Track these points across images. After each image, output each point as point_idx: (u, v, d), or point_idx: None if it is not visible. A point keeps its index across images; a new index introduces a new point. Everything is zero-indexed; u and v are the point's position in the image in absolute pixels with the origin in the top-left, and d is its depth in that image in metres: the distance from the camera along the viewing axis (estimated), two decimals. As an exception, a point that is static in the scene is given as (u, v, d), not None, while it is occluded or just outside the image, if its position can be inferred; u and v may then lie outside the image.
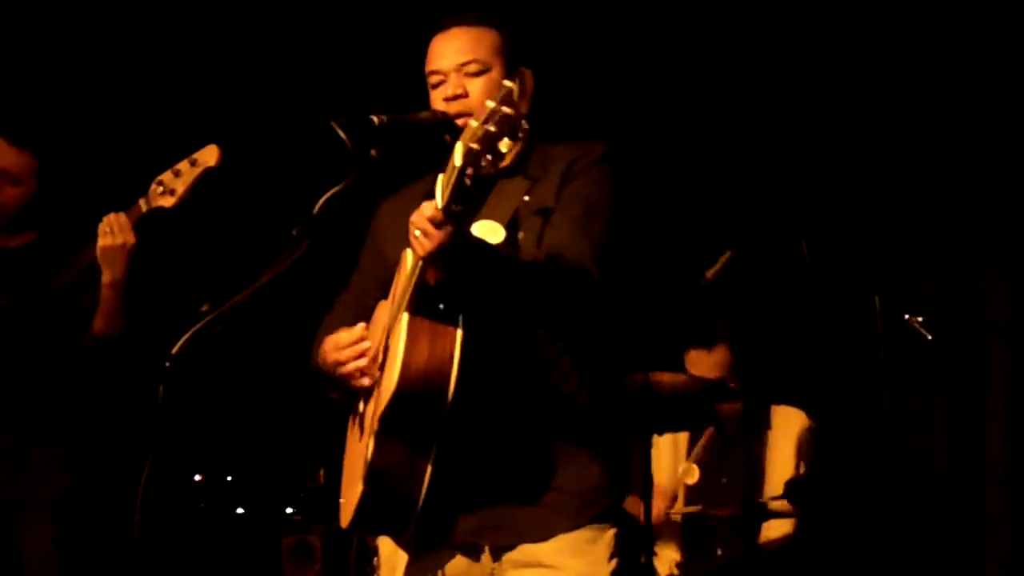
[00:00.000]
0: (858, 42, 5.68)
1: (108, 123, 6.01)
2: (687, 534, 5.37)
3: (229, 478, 6.16)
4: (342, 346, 3.10)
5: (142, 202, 4.03)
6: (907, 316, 4.56)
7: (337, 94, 5.92)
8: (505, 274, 2.88)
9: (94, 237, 4.11)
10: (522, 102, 3.13)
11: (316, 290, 5.96)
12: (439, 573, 3.12)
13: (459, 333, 2.85)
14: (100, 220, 4.19)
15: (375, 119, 3.09)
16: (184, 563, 5.72)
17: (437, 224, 2.73)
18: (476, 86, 3.13)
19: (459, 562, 3.09)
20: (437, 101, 3.17)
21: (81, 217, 4.36)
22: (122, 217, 4.07)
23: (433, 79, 3.19)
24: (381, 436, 2.91)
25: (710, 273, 4.63)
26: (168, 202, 3.98)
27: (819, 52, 5.74)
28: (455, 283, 2.83)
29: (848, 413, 5.62)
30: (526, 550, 3.02)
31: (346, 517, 3.14)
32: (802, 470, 5.32)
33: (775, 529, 5.19)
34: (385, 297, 3.17)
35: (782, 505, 5.12)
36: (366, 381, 3.05)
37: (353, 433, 3.25)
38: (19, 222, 4.36)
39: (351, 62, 6.16)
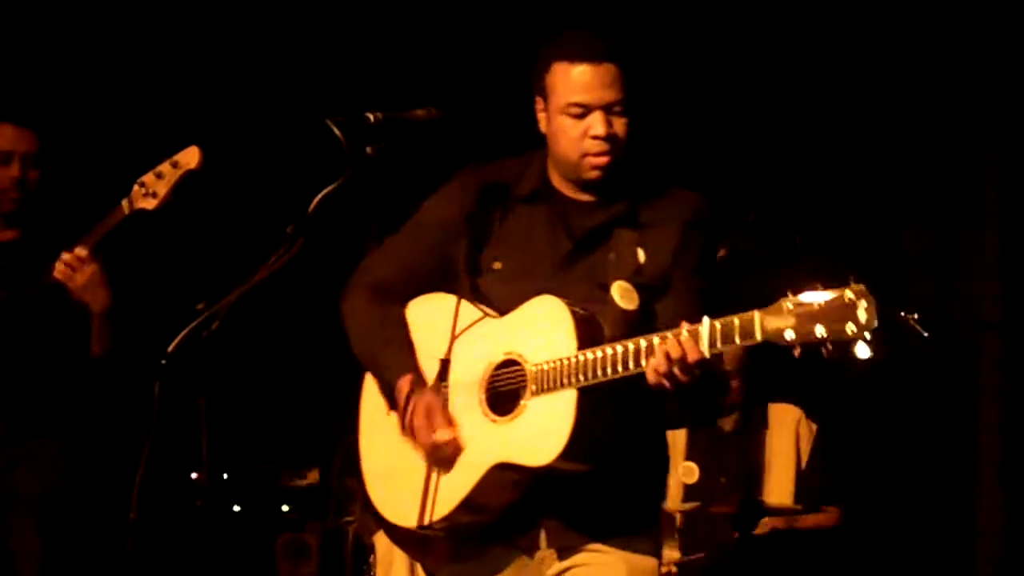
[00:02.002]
0: (849, 34, 5.67)
1: (99, 118, 6.00)
2: (685, 532, 5.37)
3: (225, 476, 6.17)
4: (429, 421, 3.07)
5: (125, 204, 4.02)
6: (902, 313, 4.56)
7: (332, 91, 5.91)
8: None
9: (79, 233, 4.09)
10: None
11: (311, 288, 5.97)
12: (483, 559, 3.15)
13: (617, 412, 2.93)
14: (85, 215, 4.19)
15: (370, 116, 3.09)
16: (180, 561, 5.71)
17: (699, 364, 2.76)
18: (620, 127, 3.06)
19: (509, 552, 3.13)
20: (575, 132, 3.06)
21: (66, 212, 4.35)
22: (78, 251, 4.08)
23: (573, 110, 3.05)
24: (495, 472, 3.00)
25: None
26: (150, 204, 3.97)
27: (810, 47, 5.73)
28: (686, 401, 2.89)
29: (845, 411, 5.63)
30: (589, 548, 3.08)
31: (408, 518, 3.18)
32: (801, 468, 5.32)
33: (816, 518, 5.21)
34: (445, 287, 3.16)
35: (787, 505, 5.13)
36: (432, 455, 3.09)
37: (389, 423, 3.21)
38: (21, 209, 4.33)
39: (346, 59, 6.15)
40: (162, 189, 3.94)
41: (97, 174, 5.75)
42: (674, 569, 5.34)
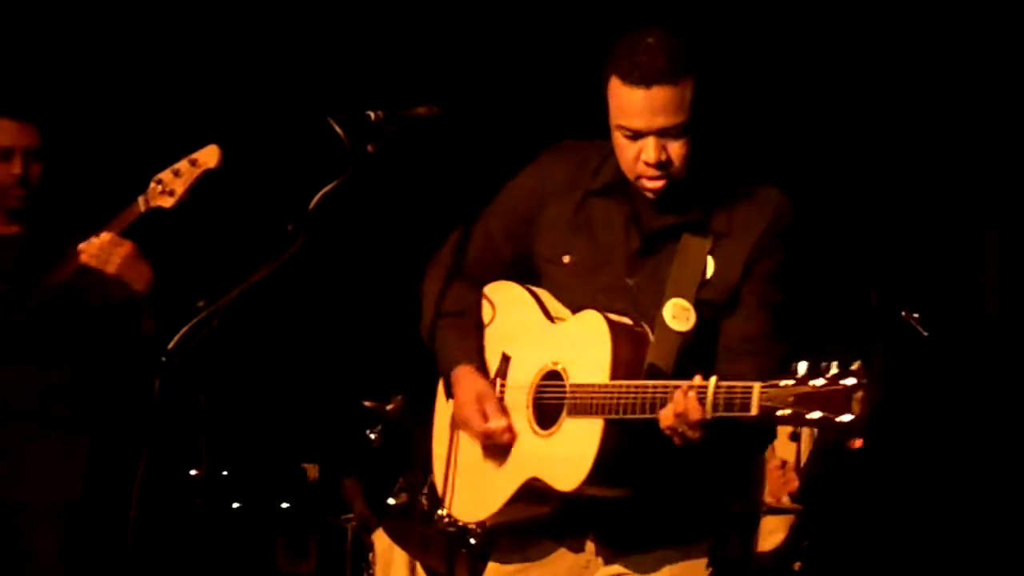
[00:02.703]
0: (852, 36, 5.67)
1: (103, 115, 6.00)
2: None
3: (225, 473, 6.17)
4: (470, 403, 3.06)
5: (141, 201, 3.93)
6: (903, 312, 4.55)
7: (333, 89, 5.91)
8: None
9: (86, 227, 4.04)
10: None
11: (312, 286, 5.97)
12: (529, 552, 3.11)
13: (645, 443, 2.85)
14: (90, 210, 4.14)
15: (371, 115, 3.08)
16: (179, 558, 5.71)
17: (703, 424, 2.71)
18: (677, 149, 2.89)
19: (557, 549, 3.09)
20: (629, 154, 2.92)
21: (71, 208, 4.31)
22: (106, 235, 3.99)
23: (626, 132, 2.90)
24: (531, 484, 2.98)
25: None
26: (167, 202, 3.90)
27: (812, 46, 5.74)
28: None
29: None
30: (630, 559, 3.03)
31: (471, 514, 3.18)
32: (800, 467, 5.31)
33: (767, 540, 5.19)
34: (524, 276, 3.13)
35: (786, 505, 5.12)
36: (481, 439, 3.07)
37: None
38: (26, 205, 4.26)
39: (348, 58, 6.15)
40: (180, 187, 3.88)
41: (101, 170, 5.77)
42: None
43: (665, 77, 2.85)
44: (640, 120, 2.88)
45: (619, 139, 2.94)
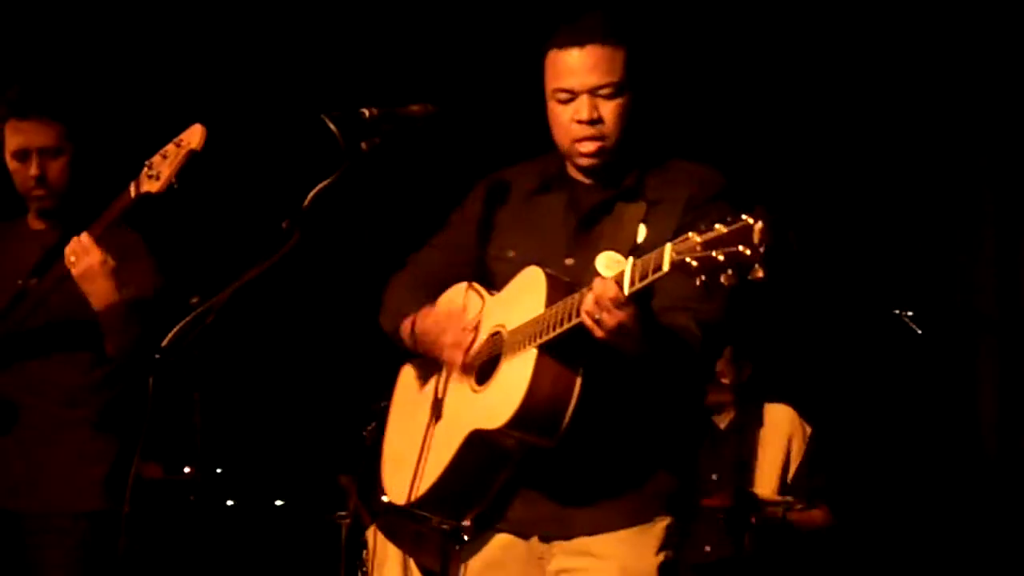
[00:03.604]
0: (851, 33, 5.68)
1: (109, 114, 5.99)
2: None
3: (219, 470, 6.17)
4: (437, 313, 3.14)
5: (132, 187, 3.80)
6: (897, 310, 4.57)
7: (328, 87, 5.91)
8: (664, 343, 2.91)
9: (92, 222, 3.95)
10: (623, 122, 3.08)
11: (306, 283, 5.98)
12: (488, 551, 3.16)
13: (579, 380, 2.91)
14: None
15: (365, 112, 3.09)
16: (173, 556, 5.71)
17: (620, 305, 2.76)
18: (610, 110, 3.03)
19: (510, 542, 3.13)
20: (564, 118, 3.06)
21: (97, 203, 4.20)
22: (84, 238, 3.85)
23: (560, 96, 3.05)
24: (474, 440, 3.00)
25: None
26: (154, 187, 3.75)
27: (810, 46, 5.74)
28: (631, 357, 2.86)
29: (840, 410, 5.64)
30: (578, 542, 3.06)
31: (403, 494, 3.17)
32: (791, 469, 5.33)
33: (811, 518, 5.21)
34: (479, 282, 3.21)
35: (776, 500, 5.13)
36: (458, 356, 3.09)
37: (414, 407, 3.27)
38: (71, 193, 4.14)
39: (341, 54, 6.16)
40: (166, 170, 3.74)
41: (123, 168, 5.76)
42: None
43: (598, 37, 3.02)
44: (575, 78, 3.03)
45: (555, 108, 3.07)
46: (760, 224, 2.57)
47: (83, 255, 3.85)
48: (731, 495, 5.11)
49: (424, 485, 3.10)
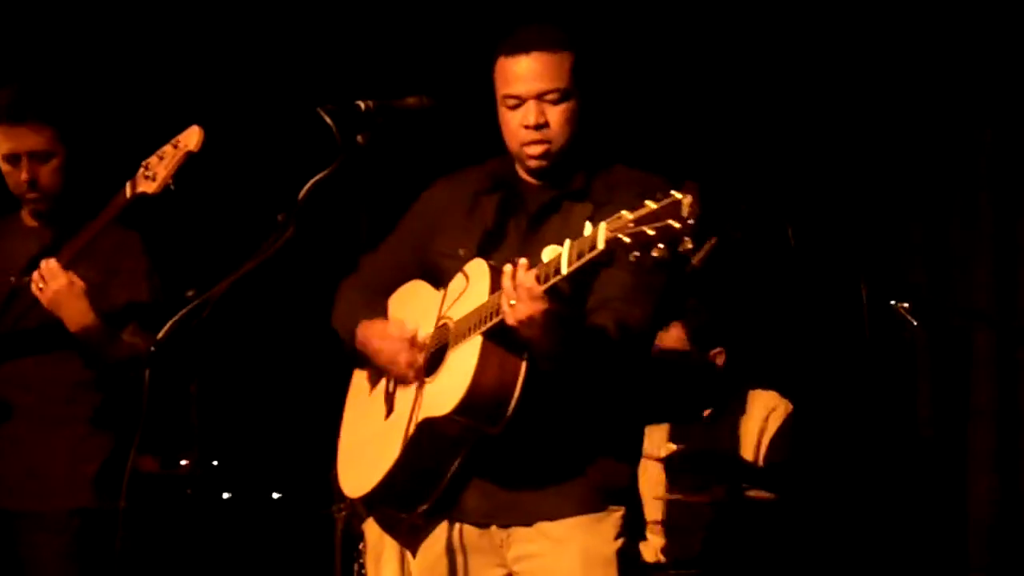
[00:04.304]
0: (845, 23, 5.67)
1: (106, 115, 5.98)
2: (670, 518, 5.38)
3: (215, 463, 6.16)
4: (391, 337, 3.16)
5: (128, 187, 3.82)
6: (893, 302, 4.57)
7: (323, 79, 5.90)
8: (578, 344, 2.96)
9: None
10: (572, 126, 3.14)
11: (301, 275, 5.97)
12: (448, 541, 3.21)
13: (524, 365, 2.95)
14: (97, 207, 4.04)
15: (361, 105, 3.10)
16: (170, 549, 5.71)
17: (533, 297, 2.82)
18: (556, 114, 3.10)
19: (468, 532, 3.18)
20: (513, 124, 3.13)
21: (92, 205, 4.20)
22: (51, 264, 3.86)
23: (508, 102, 3.13)
24: (424, 429, 3.03)
25: (696, 259, 4.62)
26: (150, 187, 3.77)
27: (803, 38, 5.74)
28: (538, 347, 2.90)
29: (833, 400, 5.64)
30: (538, 527, 3.11)
31: (357, 488, 3.22)
32: (776, 456, 5.33)
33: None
34: (429, 281, 3.25)
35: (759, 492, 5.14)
36: (411, 375, 3.12)
37: (367, 403, 3.31)
38: (65, 194, 4.13)
39: (337, 47, 6.15)
40: (162, 171, 3.76)
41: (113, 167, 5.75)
42: (662, 558, 5.35)
43: (544, 45, 3.10)
44: (522, 85, 3.10)
45: (504, 114, 3.14)
46: (689, 198, 2.64)
47: (49, 281, 3.85)
48: (724, 492, 5.11)
49: (376, 477, 3.13)
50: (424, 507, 3.15)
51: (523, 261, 2.85)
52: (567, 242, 2.80)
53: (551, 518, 3.10)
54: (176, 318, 3.13)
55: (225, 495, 6.20)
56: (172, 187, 3.77)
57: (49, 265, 3.86)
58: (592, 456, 3.11)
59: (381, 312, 3.27)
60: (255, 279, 3.17)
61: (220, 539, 6.04)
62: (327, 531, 5.68)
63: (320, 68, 6.04)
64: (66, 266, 3.88)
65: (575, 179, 3.15)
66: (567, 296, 2.93)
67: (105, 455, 4.02)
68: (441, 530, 3.22)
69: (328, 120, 3.07)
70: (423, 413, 3.04)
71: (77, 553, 3.96)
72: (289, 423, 6.31)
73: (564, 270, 2.78)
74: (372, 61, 6.02)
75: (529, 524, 3.11)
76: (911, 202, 5.73)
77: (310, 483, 6.16)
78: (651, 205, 2.65)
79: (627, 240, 2.66)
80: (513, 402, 2.94)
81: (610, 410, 3.13)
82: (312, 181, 3.08)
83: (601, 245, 2.71)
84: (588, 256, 2.74)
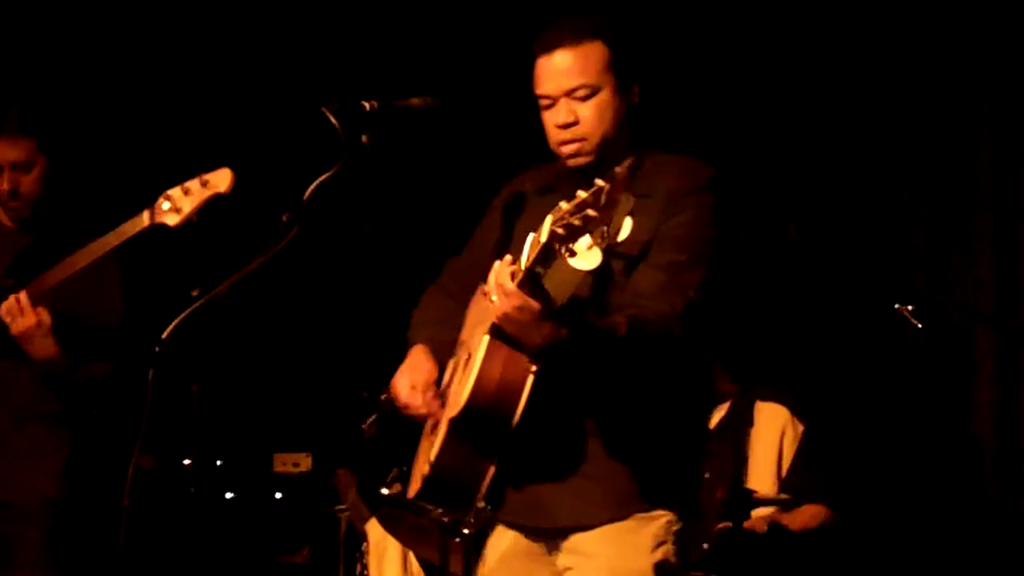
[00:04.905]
0: (844, 20, 5.67)
1: (102, 114, 5.98)
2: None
3: (218, 463, 6.17)
4: (416, 388, 3.15)
5: (147, 215, 3.86)
6: (896, 304, 4.56)
7: (329, 79, 5.91)
8: (583, 345, 2.87)
9: (88, 236, 4.01)
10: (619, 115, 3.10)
11: (306, 275, 5.97)
12: (500, 546, 3.17)
13: (534, 366, 2.90)
14: (95, 215, 4.12)
15: (366, 105, 3.09)
16: (172, 548, 5.71)
17: (507, 292, 2.78)
18: (586, 111, 3.06)
19: (518, 538, 3.13)
20: (548, 124, 3.11)
21: (79, 215, 4.28)
22: (21, 298, 3.97)
23: (543, 102, 3.11)
24: (449, 437, 2.99)
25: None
26: (173, 220, 3.84)
27: (807, 39, 5.73)
28: (525, 343, 2.86)
29: (836, 404, 5.63)
30: (573, 539, 3.05)
31: (413, 488, 3.21)
32: (783, 470, 5.32)
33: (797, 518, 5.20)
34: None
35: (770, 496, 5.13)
36: (430, 424, 3.13)
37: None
38: (46, 201, 4.22)
39: (343, 47, 6.15)
40: (187, 207, 3.83)
41: (107, 171, 5.75)
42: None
43: (566, 41, 3.06)
44: (549, 84, 3.08)
45: (543, 115, 3.12)
46: (608, 186, 2.63)
47: (18, 317, 3.98)
48: (726, 490, 5.10)
49: (419, 481, 3.11)
50: (472, 509, 3.07)
51: (507, 257, 2.81)
52: (530, 236, 2.77)
53: (583, 528, 3.03)
54: (180, 317, 3.13)
55: (228, 494, 6.20)
56: (194, 221, 3.85)
57: (20, 301, 3.98)
58: (629, 457, 3.02)
59: (450, 328, 3.25)
60: (259, 279, 3.17)
61: (222, 538, 6.05)
62: (331, 531, 5.71)
63: (325, 68, 6.04)
64: (48, 292, 3.98)
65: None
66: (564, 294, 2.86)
67: (69, 449, 4.17)
68: (496, 535, 3.18)
69: (333, 120, 3.07)
70: (447, 414, 3.01)
71: (50, 542, 4.09)
72: (291, 423, 6.31)
73: (523, 265, 2.75)
74: (377, 61, 6.02)
75: (565, 534, 3.05)
76: (913, 203, 5.72)
77: (314, 483, 6.18)
78: (580, 195, 2.64)
79: (561, 232, 2.64)
80: (523, 399, 2.89)
81: (646, 407, 3.03)
82: (317, 181, 3.08)
83: (543, 238, 2.68)
84: (536, 251, 2.71)
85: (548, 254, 2.70)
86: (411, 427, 3.28)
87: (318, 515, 6.00)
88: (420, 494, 3.09)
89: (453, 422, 2.97)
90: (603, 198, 2.63)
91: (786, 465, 5.33)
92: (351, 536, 5.48)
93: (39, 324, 3.98)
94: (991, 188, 5.48)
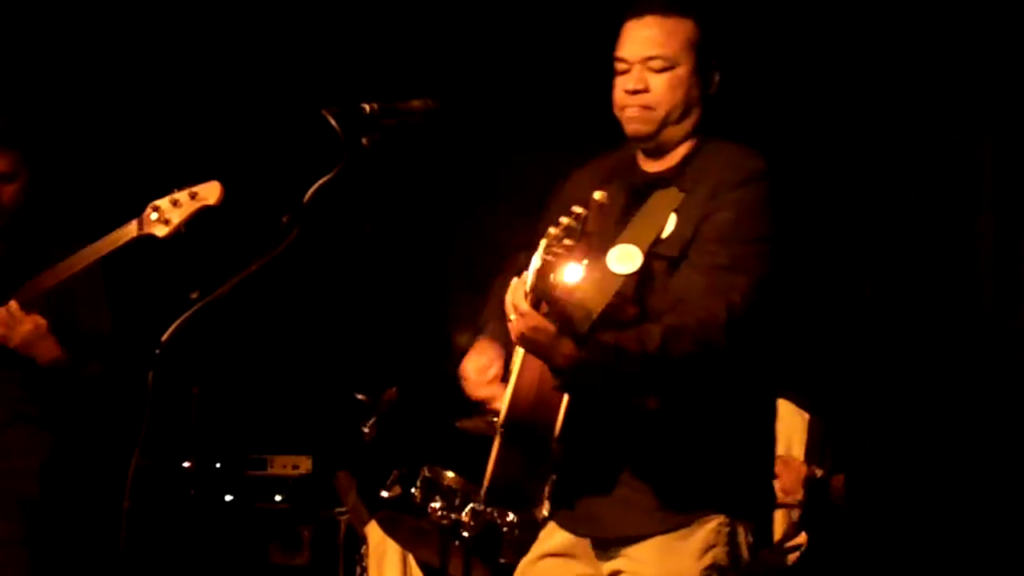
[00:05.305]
0: (845, 30, 5.67)
1: (89, 110, 5.98)
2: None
3: (218, 465, 6.17)
4: (476, 370, 3.13)
5: (134, 225, 3.89)
6: (896, 302, 4.56)
7: (329, 81, 5.91)
8: (606, 365, 2.77)
9: (69, 244, 4.03)
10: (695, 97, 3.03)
11: (306, 277, 5.97)
12: (550, 545, 3.12)
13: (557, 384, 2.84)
14: (78, 219, 4.15)
15: (366, 107, 3.08)
16: (172, 550, 5.71)
17: (521, 312, 2.73)
18: (659, 82, 2.98)
19: (570, 539, 3.09)
20: (618, 88, 3.04)
21: (55, 222, 4.32)
22: (12, 308, 4.01)
23: (618, 65, 3.03)
24: (501, 444, 2.97)
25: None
26: (161, 231, 3.86)
27: (808, 39, 5.74)
28: (546, 361, 2.79)
29: (838, 403, 5.63)
30: (622, 550, 3.00)
31: (481, 486, 3.16)
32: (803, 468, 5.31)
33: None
34: None
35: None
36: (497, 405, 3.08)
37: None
38: (26, 211, 4.28)
39: (343, 49, 6.15)
40: (176, 219, 3.85)
41: (87, 171, 5.75)
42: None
43: (657, 10, 2.99)
44: (629, 48, 3.01)
45: (615, 79, 3.04)
46: (585, 213, 2.62)
47: (15, 326, 4.03)
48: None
49: (487, 478, 3.07)
50: (533, 509, 3.06)
51: (525, 275, 2.73)
52: (535, 257, 2.70)
53: (633, 538, 2.99)
54: (180, 320, 3.13)
55: (228, 497, 6.20)
56: (183, 232, 3.87)
57: (11, 310, 4.02)
58: (676, 463, 2.96)
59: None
60: (260, 281, 3.17)
61: (222, 540, 6.04)
62: (330, 533, 5.71)
63: (325, 70, 6.04)
64: (39, 298, 4.03)
65: (675, 158, 3.03)
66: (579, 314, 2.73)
67: (51, 450, 4.23)
68: (547, 530, 3.14)
69: (333, 122, 3.06)
70: (500, 421, 2.97)
71: (28, 538, 4.16)
72: (293, 425, 6.31)
73: (527, 286, 2.70)
74: (377, 63, 6.02)
75: (614, 541, 3.01)
76: (913, 202, 5.72)
77: (314, 485, 6.17)
78: (564, 221, 2.62)
79: (550, 259, 2.60)
80: (560, 412, 2.83)
81: (693, 412, 2.94)
82: (317, 183, 3.08)
83: (538, 263, 2.63)
84: (532, 273, 2.66)
85: (543, 281, 2.64)
86: (410, 430, 3.28)
87: (318, 518, 6.00)
88: (486, 494, 3.05)
89: (502, 429, 2.94)
90: (581, 226, 2.60)
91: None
92: (351, 539, 5.48)
93: (36, 328, 4.04)
94: (991, 189, 5.49)
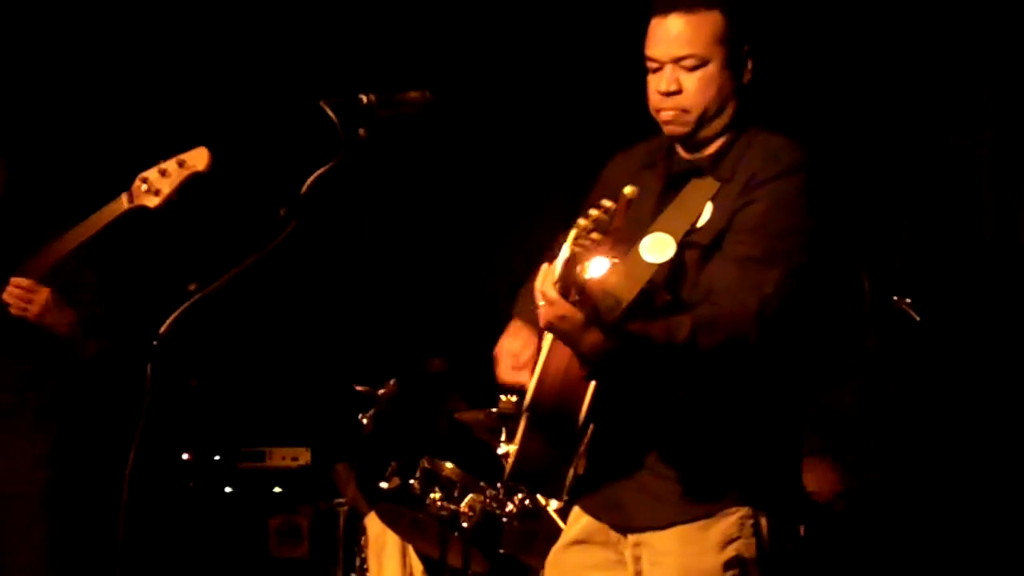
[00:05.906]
0: (845, 30, 5.67)
1: (84, 98, 5.98)
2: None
3: (217, 457, 6.17)
4: (509, 353, 3.09)
5: (124, 198, 3.89)
6: (895, 297, 4.55)
7: (326, 73, 5.91)
8: (634, 355, 2.73)
9: (59, 225, 4.04)
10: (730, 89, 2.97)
11: (304, 269, 5.97)
12: (576, 530, 3.10)
13: (585, 372, 2.81)
14: (65, 202, 4.16)
15: (363, 98, 3.07)
16: (171, 543, 5.72)
17: (550, 301, 2.68)
18: (691, 81, 2.92)
19: (595, 524, 3.07)
20: (651, 88, 2.98)
21: (37, 206, 4.33)
22: (22, 282, 4.04)
23: (649, 64, 2.96)
24: (527, 426, 2.94)
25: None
26: (152, 202, 3.86)
27: (807, 39, 5.73)
28: (575, 349, 2.76)
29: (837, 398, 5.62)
30: (644, 537, 2.97)
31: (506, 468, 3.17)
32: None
33: None
34: None
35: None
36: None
37: None
38: (7, 205, 4.30)
39: (340, 41, 6.15)
40: (166, 188, 3.84)
41: (89, 155, 5.75)
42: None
43: (683, 6, 2.91)
44: (658, 48, 2.94)
45: (648, 77, 2.98)
46: (614, 206, 2.58)
47: (34, 298, 4.06)
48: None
49: (512, 460, 3.05)
50: (562, 496, 3.02)
51: (555, 263, 2.67)
52: (564, 247, 2.66)
53: (654, 527, 2.95)
54: (178, 312, 3.13)
55: (227, 489, 6.21)
56: (175, 200, 3.86)
57: (24, 284, 4.05)
58: (702, 455, 2.92)
59: None
60: (257, 273, 3.17)
61: (222, 533, 6.05)
62: (330, 525, 5.71)
63: (322, 62, 6.04)
64: (47, 272, 4.05)
65: (711, 148, 2.98)
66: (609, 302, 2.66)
67: (52, 438, 4.26)
68: (573, 514, 3.12)
69: (330, 113, 3.05)
70: (526, 403, 2.93)
71: (41, 519, 4.20)
72: (291, 416, 6.32)
73: (555, 275, 2.66)
74: (374, 55, 6.02)
75: (635, 529, 2.98)
76: (912, 194, 5.73)
77: (313, 477, 6.18)
78: (593, 213, 2.58)
79: (578, 250, 2.57)
80: (586, 399, 2.80)
81: (720, 403, 2.89)
82: (314, 175, 3.07)
83: (566, 253, 2.59)
84: (561, 266, 2.62)
85: (571, 270, 2.61)
86: (408, 423, 3.27)
87: (317, 509, 6.01)
88: (511, 476, 3.03)
89: (527, 413, 2.92)
90: (610, 219, 2.56)
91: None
92: (350, 530, 5.48)
93: (52, 295, 4.06)
94: (992, 181, 5.50)
